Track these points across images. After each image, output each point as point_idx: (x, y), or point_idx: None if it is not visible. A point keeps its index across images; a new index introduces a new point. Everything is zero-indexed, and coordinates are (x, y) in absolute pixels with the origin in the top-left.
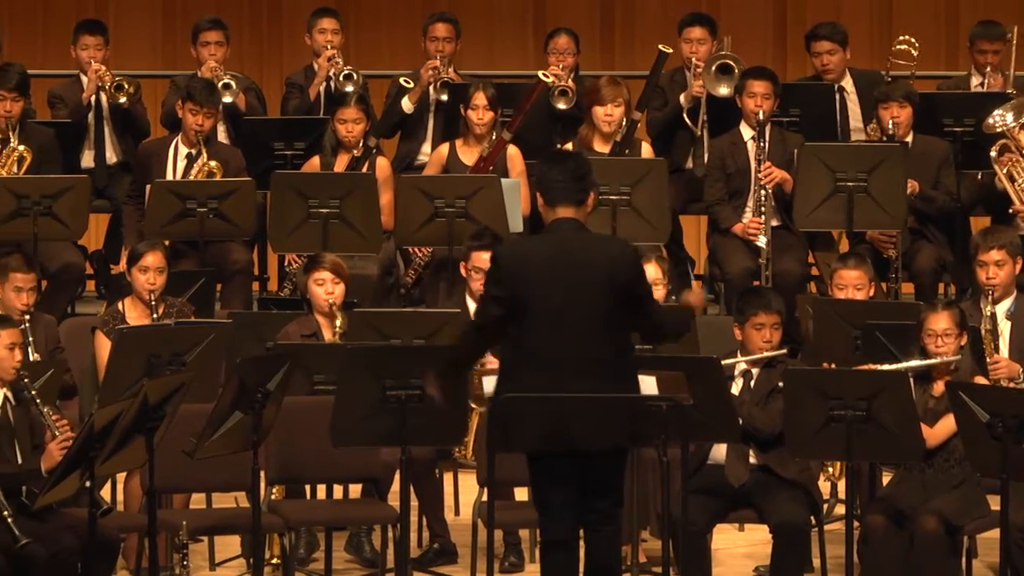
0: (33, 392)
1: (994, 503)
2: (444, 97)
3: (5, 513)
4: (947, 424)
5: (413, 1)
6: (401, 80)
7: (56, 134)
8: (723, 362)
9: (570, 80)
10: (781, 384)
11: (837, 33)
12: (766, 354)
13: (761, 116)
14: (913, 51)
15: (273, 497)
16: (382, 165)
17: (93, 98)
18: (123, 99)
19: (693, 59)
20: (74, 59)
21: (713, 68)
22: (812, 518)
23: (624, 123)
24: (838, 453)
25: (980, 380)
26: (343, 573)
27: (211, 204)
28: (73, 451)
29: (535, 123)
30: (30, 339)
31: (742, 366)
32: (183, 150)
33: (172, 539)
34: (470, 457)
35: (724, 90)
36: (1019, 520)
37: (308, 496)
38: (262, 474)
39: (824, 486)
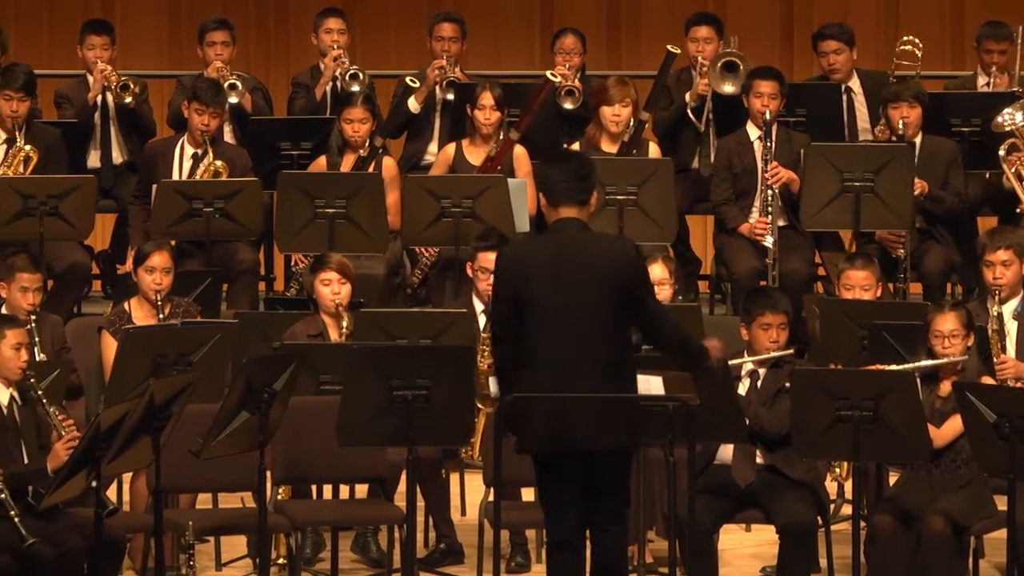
0: (39, 392)
1: (1001, 503)
2: (450, 97)
3: (12, 513)
4: (954, 424)
5: (419, 1)
6: (407, 80)
7: (62, 134)
8: (730, 362)
9: (576, 80)
10: (788, 384)
11: (844, 33)
12: (773, 354)
13: (768, 116)
14: (917, 51)
15: (279, 497)
16: (388, 165)
17: (99, 98)
18: (129, 99)
19: (699, 58)
20: (80, 59)
21: (718, 66)
22: (819, 518)
23: (632, 123)
24: (845, 453)
25: (987, 380)
26: (349, 573)
27: (217, 204)
28: (79, 451)
29: (542, 123)
30: (36, 339)
31: (749, 366)
32: (189, 150)
33: (178, 539)
34: (477, 457)
35: (729, 88)
36: None
37: (314, 496)
38: (268, 474)
39: (831, 486)
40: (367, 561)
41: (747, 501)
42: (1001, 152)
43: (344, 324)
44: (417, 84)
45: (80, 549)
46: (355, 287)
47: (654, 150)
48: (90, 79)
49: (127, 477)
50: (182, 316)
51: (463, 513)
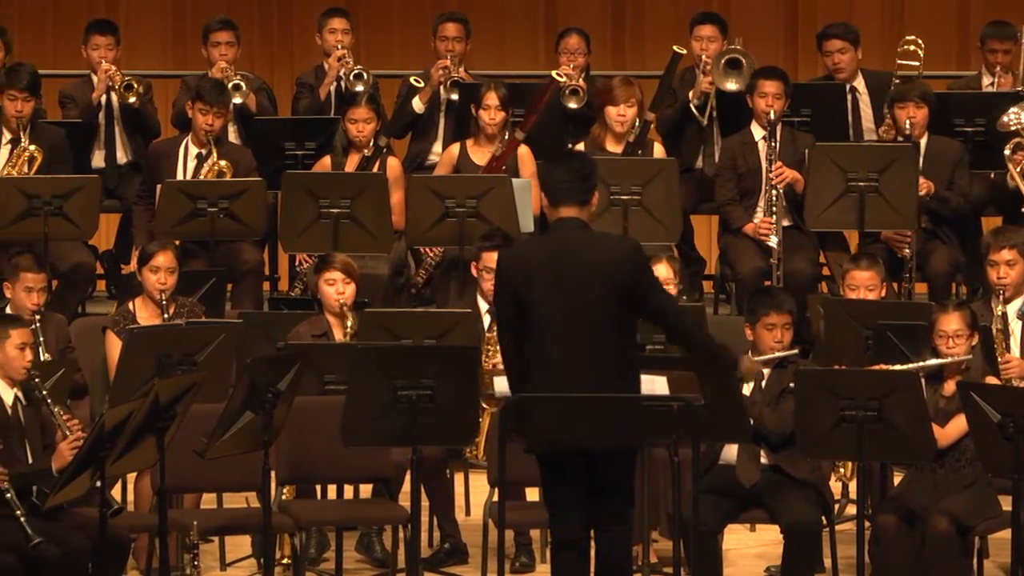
0: (44, 392)
1: (1005, 503)
2: (455, 97)
3: (18, 512)
4: (958, 424)
5: (424, 1)
6: (412, 80)
7: (67, 134)
8: None
9: (581, 80)
10: (792, 384)
11: (849, 32)
12: (777, 354)
13: (772, 116)
14: (919, 51)
15: (284, 497)
16: (393, 165)
17: (104, 98)
18: (133, 99)
19: (703, 56)
20: (85, 59)
21: (722, 62)
22: (823, 518)
23: (637, 124)
24: (849, 453)
25: (991, 380)
26: (354, 573)
27: (222, 204)
28: (84, 451)
29: (546, 123)
30: (41, 339)
31: None
32: (193, 150)
33: (183, 539)
34: (481, 457)
35: (733, 85)
36: None
37: (319, 496)
38: (273, 474)
39: (835, 486)
40: (371, 561)
41: (751, 501)
42: (1006, 151)
43: (348, 323)
44: (421, 84)
45: (84, 549)
46: (359, 287)
47: (659, 150)
48: (94, 79)
49: (131, 477)
50: (186, 316)
51: (467, 513)
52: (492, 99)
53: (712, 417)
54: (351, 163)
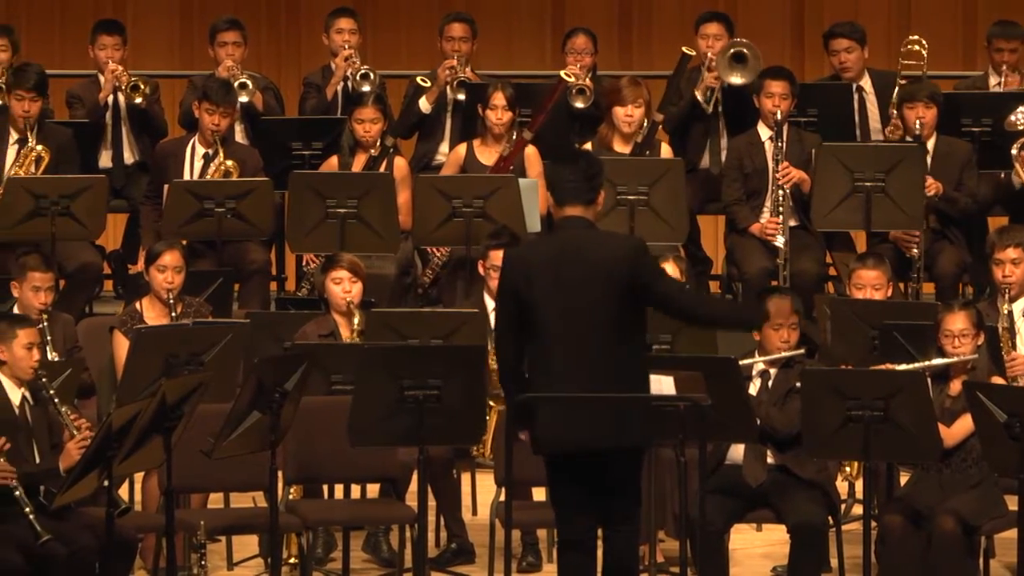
0: (51, 391)
1: (1012, 503)
2: (461, 97)
3: (27, 510)
4: (964, 424)
5: (431, 1)
6: (418, 79)
7: (74, 134)
8: (741, 362)
9: (588, 80)
10: (799, 384)
11: (855, 31)
12: (784, 354)
13: (779, 116)
14: (923, 51)
15: (291, 497)
16: (399, 165)
17: (110, 98)
18: (139, 99)
19: (709, 54)
20: (92, 59)
21: (727, 56)
22: (830, 518)
23: (645, 124)
24: (855, 453)
25: (997, 380)
26: (361, 573)
27: (229, 204)
28: (91, 451)
29: (553, 123)
30: (48, 338)
31: (760, 366)
32: (200, 150)
33: (190, 539)
34: (488, 457)
35: (738, 79)
36: None
37: (326, 496)
38: (280, 474)
39: (842, 486)
40: (378, 561)
41: (758, 501)
42: (1013, 151)
43: (356, 321)
44: (428, 84)
45: (92, 549)
46: (366, 287)
47: (666, 151)
48: (101, 79)
49: (139, 477)
50: (193, 316)
51: (474, 513)
52: (499, 99)
53: (718, 417)
54: (358, 163)
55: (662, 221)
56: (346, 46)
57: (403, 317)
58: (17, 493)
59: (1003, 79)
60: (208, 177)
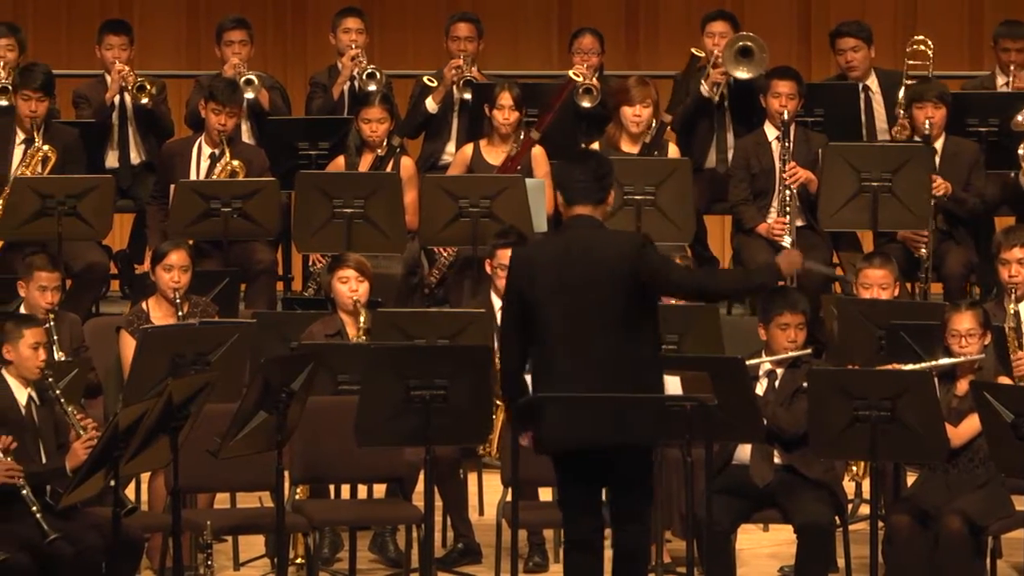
0: (57, 391)
1: (1019, 503)
2: (468, 97)
3: (34, 508)
4: (971, 424)
5: (437, 1)
6: (425, 79)
7: (80, 134)
8: (748, 362)
9: (595, 80)
10: (805, 384)
11: (862, 31)
12: (791, 354)
13: (786, 116)
14: (928, 51)
15: (297, 497)
16: (406, 164)
17: (117, 98)
18: (146, 99)
19: (716, 51)
20: (99, 59)
21: (734, 50)
22: (837, 518)
23: (654, 125)
24: (862, 453)
25: (1004, 380)
26: (367, 573)
27: (235, 204)
28: (98, 450)
29: (560, 122)
30: (55, 338)
31: (767, 366)
32: (206, 150)
33: (196, 539)
34: (495, 457)
35: (744, 73)
36: None
37: (332, 496)
38: (286, 474)
39: (848, 486)
40: (385, 561)
41: (765, 501)
42: (1020, 151)
43: (362, 321)
44: (435, 84)
45: (98, 548)
46: (373, 287)
47: (673, 151)
48: (108, 79)
49: (145, 477)
50: (200, 316)
51: (481, 513)
52: (506, 99)
53: (725, 417)
54: (364, 163)
55: (669, 221)
56: (353, 46)
57: (410, 317)
58: (24, 492)
59: (1010, 79)
60: (214, 177)
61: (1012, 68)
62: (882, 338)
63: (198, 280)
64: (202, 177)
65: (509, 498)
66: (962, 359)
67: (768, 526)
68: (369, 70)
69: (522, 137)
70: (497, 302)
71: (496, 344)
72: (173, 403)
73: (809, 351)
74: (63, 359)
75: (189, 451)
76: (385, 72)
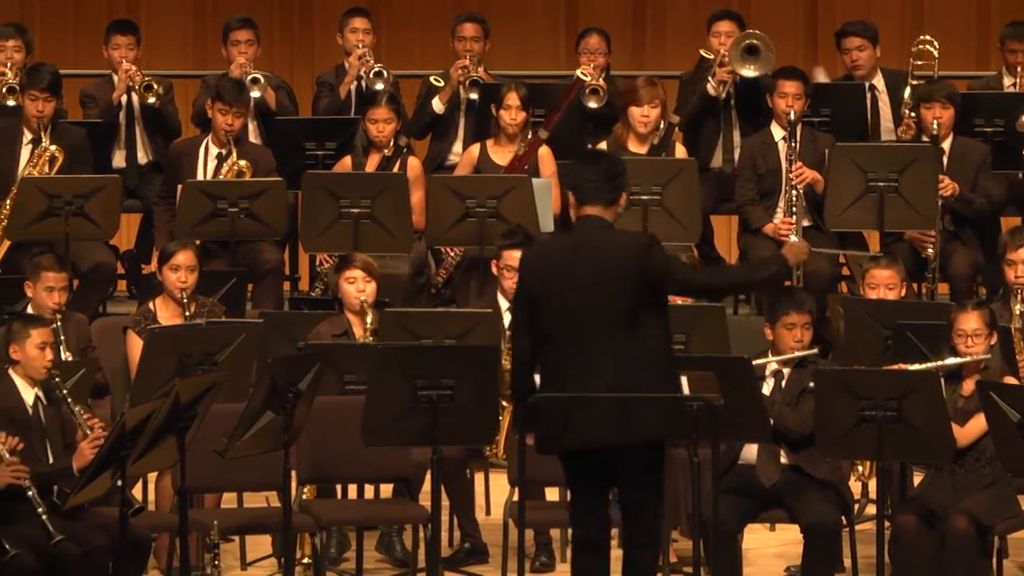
0: (64, 391)
1: None
2: (474, 97)
3: (40, 510)
4: (978, 423)
5: (444, 1)
6: (431, 79)
7: (87, 134)
8: (754, 362)
9: (601, 80)
10: (812, 384)
11: (867, 30)
12: (797, 354)
13: (792, 116)
14: (934, 51)
15: (304, 497)
16: (413, 164)
17: (124, 98)
18: (152, 99)
19: (722, 51)
20: (106, 59)
21: (740, 48)
22: (843, 518)
23: (662, 125)
24: (869, 453)
25: (1010, 380)
26: (374, 573)
27: (242, 204)
28: (105, 450)
29: (566, 122)
30: (62, 338)
31: (773, 366)
32: (213, 150)
33: (203, 539)
34: (501, 457)
35: (750, 71)
36: None
37: (339, 496)
38: (293, 474)
39: (855, 486)
40: (392, 561)
41: (771, 501)
42: None
43: (369, 321)
44: (441, 84)
45: (105, 548)
46: (380, 287)
47: (680, 151)
48: (115, 79)
49: (152, 476)
50: (207, 316)
51: (487, 512)
52: (513, 99)
53: (732, 417)
54: (371, 163)
55: (675, 221)
56: (360, 45)
57: (417, 317)
58: (30, 494)
59: (1017, 80)
60: (221, 177)
61: (1019, 69)
62: (888, 338)
63: (205, 280)
64: (209, 177)
65: (516, 498)
66: (968, 359)
67: (774, 526)
68: (376, 68)
69: (529, 137)
70: (504, 303)
71: (504, 344)
72: (180, 403)
73: (815, 351)
74: (70, 359)
75: (196, 451)
76: (392, 72)
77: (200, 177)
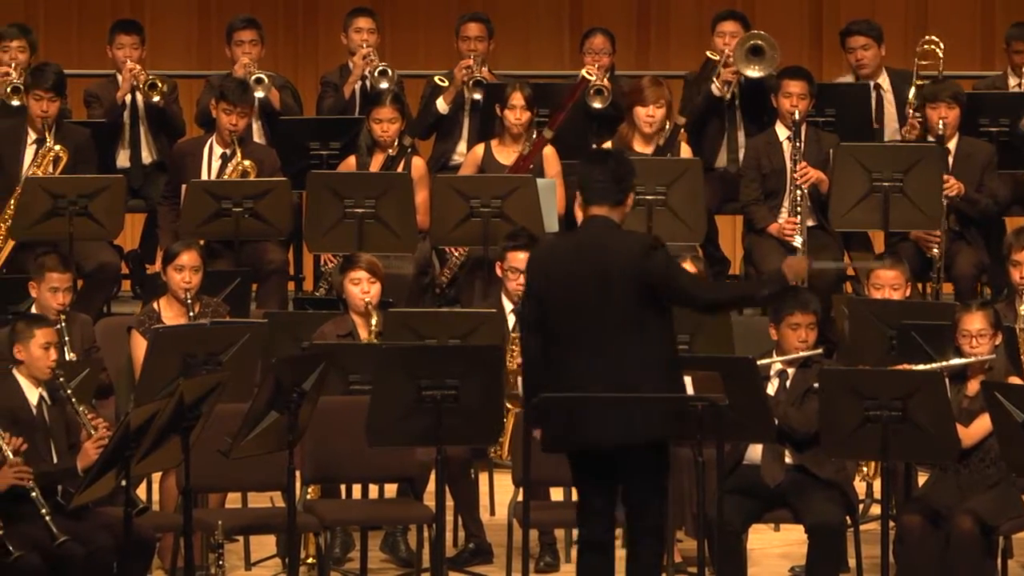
0: (69, 391)
1: None
2: (478, 96)
3: (43, 511)
4: (982, 423)
5: (449, 1)
6: (436, 79)
7: (92, 134)
8: (759, 362)
9: (606, 80)
10: (817, 384)
11: (872, 29)
12: (802, 354)
13: (797, 116)
14: (939, 51)
15: (308, 497)
16: (417, 164)
17: (128, 98)
18: (157, 98)
19: (726, 51)
20: (110, 59)
21: (744, 48)
22: (848, 518)
23: (668, 126)
24: (873, 453)
25: (1015, 380)
26: (379, 573)
27: (246, 204)
28: (109, 450)
29: (571, 122)
30: (66, 338)
31: (778, 366)
32: (218, 150)
33: (207, 539)
34: (506, 457)
35: (755, 72)
36: None
37: (343, 496)
38: (298, 474)
39: (859, 486)
40: (396, 561)
41: (776, 501)
42: None
43: (374, 322)
44: (446, 84)
45: (109, 548)
46: (384, 287)
47: (685, 151)
48: (119, 79)
49: (156, 476)
50: (211, 316)
51: (492, 513)
52: (517, 99)
53: (736, 417)
54: (376, 163)
55: (680, 221)
56: (364, 45)
57: (421, 317)
58: (33, 495)
59: (1022, 80)
60: (226, 177)
61: None
62: (893, 338)
63: (209, 280)
64: (213, 177)
65: (520, 498)
66: (973, 359)
67: (779, 526)
68: (381, 67)
69: (534, 137)
70: (508, 303)
71: (508, 344)
72: (184, 403)
73: (820, 351)
74: (74, 359)
75: (200, 451)
76: (396, 72)
77: (204, 177)
